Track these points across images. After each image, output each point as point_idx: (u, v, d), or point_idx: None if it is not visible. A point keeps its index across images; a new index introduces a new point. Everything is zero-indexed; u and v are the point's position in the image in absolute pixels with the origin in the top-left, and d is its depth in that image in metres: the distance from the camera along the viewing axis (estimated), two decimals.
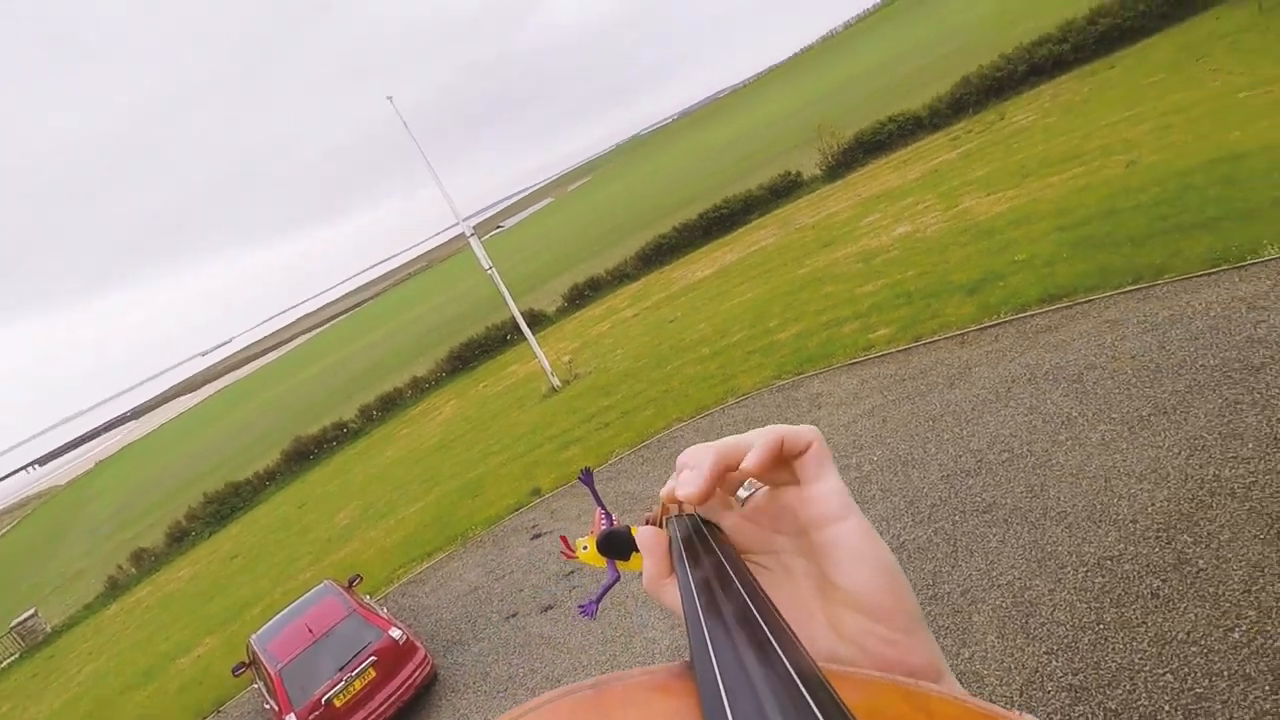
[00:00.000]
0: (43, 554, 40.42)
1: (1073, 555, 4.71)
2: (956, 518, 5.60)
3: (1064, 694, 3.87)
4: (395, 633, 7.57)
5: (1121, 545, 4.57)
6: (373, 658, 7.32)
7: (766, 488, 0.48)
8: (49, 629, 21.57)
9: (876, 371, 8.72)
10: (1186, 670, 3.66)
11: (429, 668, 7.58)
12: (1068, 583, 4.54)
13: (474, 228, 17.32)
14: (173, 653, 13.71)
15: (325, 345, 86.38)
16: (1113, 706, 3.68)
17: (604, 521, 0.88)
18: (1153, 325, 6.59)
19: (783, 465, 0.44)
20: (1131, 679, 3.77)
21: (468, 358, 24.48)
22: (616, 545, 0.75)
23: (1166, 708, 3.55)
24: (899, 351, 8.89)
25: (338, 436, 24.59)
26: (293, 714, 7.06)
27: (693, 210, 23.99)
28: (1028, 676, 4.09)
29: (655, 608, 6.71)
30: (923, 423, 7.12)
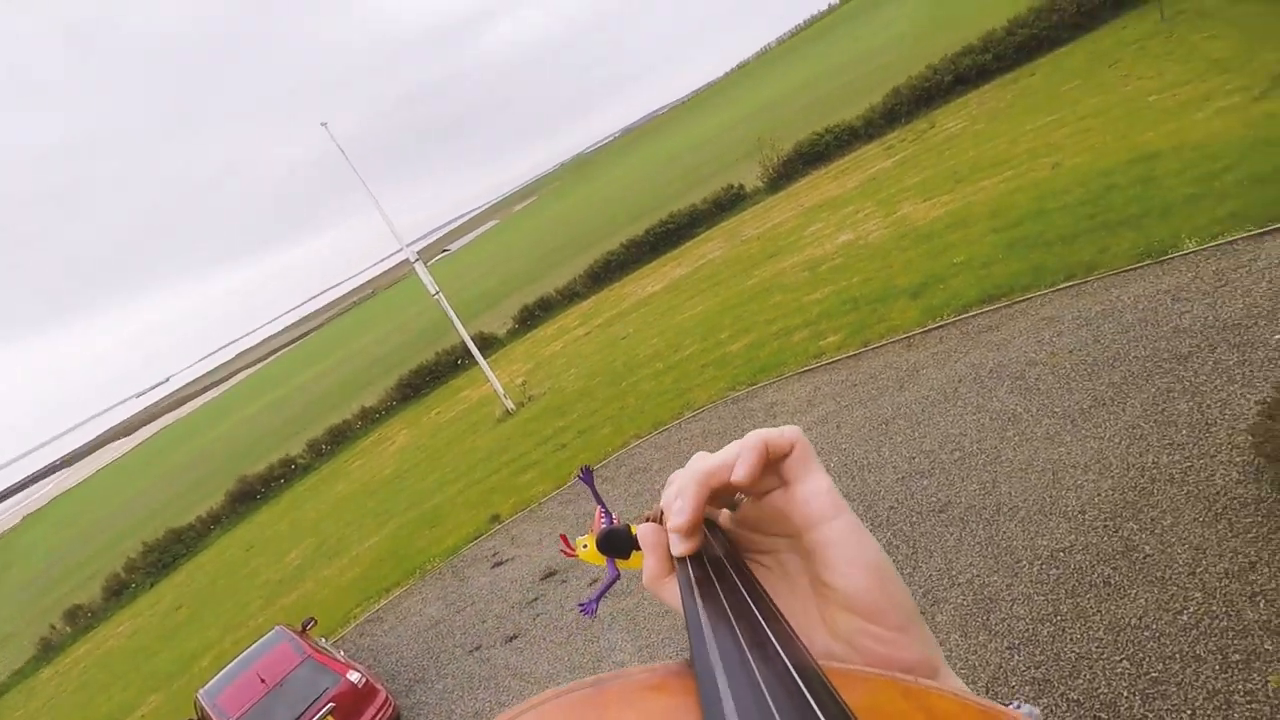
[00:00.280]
0: None
1: (1027, 549, 4.81)
2: (914, 519, 5.68)
3: (1028, 688, 3.93)
4: (354, 676, 7.29)
5: (1072, 536, 4.69)
6: (331, 704, 7.03)
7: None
8: None
9: (828, 378, 8.84)
10: (1141, 655, 3.76)
11: (391, 710, 7.31)
12: (1024, 576, 4.63)
13: (419, 253, 17.06)
14: (115, 715, 12.97)
15: (269, 380, 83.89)
16: (1075, 697, 3.74)
17: (604, 520, 0.86)
18: (1087, 320, 6.83)
19: (770, 470, 0.44)
20: (1091, 668, 3.85)
21: (418, 385, 24.02)
22: (616, 544, 0.73)
23: (1125, 694, 3.63)
24: (849, 357, 9.03)
25: (285, 473, 23.81)
26: None
27: (639, 226, 24.11)
28: (992, 673, 4.15)
29: (624, 630, 6.62)
30: (876, 426, 7.23)
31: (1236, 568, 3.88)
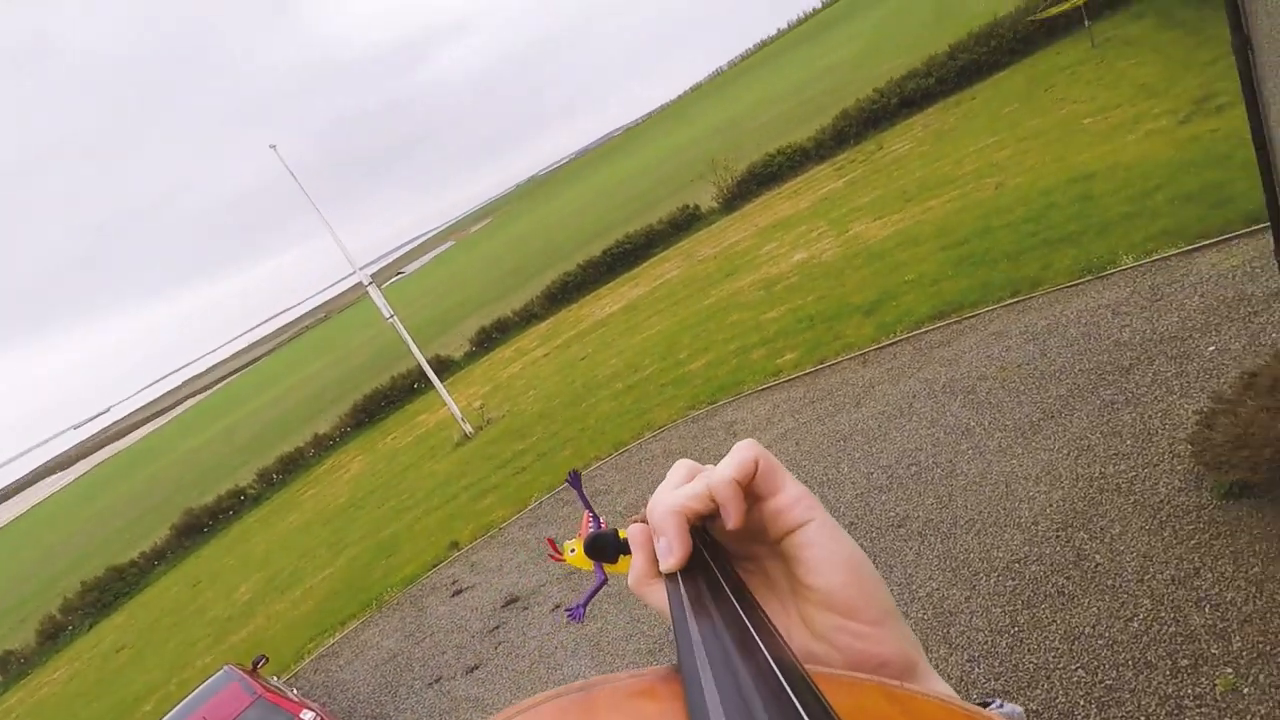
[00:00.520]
0: None
1: (984, 562, 4.89)
2: (874, 534, 5.74)
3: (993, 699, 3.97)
4: (308, 715, 7.02)
5: (1027, 547, 4.79)
6: None
7: None
8: None
9: (786, 395, 8.93)
10: (1096, 663, 3.84)
11: None
12: (982, 589, 4.70)
13: (373, 276, 16.81)
14: None
15: (217, 408, 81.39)
16: (1034, 707, 3.80)
17: (591, 524, 0.85)
18: (1033, 335, 7.04)
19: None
20: (1049, 677, 3.91)
21: (373, 410, 23.54)
22: (603, 548, 0.72)
23: (1082, 702, 3.70)
24: (806, 374, 9.15)
25: (234, 505, 23.02)
26: None
27: (596, 247, 24.15)
28: (954, 686, 4.17)
29: (588, 657, 6.52)
30: (834, 443, 7.31)
31: (1182, 574, 4.00)
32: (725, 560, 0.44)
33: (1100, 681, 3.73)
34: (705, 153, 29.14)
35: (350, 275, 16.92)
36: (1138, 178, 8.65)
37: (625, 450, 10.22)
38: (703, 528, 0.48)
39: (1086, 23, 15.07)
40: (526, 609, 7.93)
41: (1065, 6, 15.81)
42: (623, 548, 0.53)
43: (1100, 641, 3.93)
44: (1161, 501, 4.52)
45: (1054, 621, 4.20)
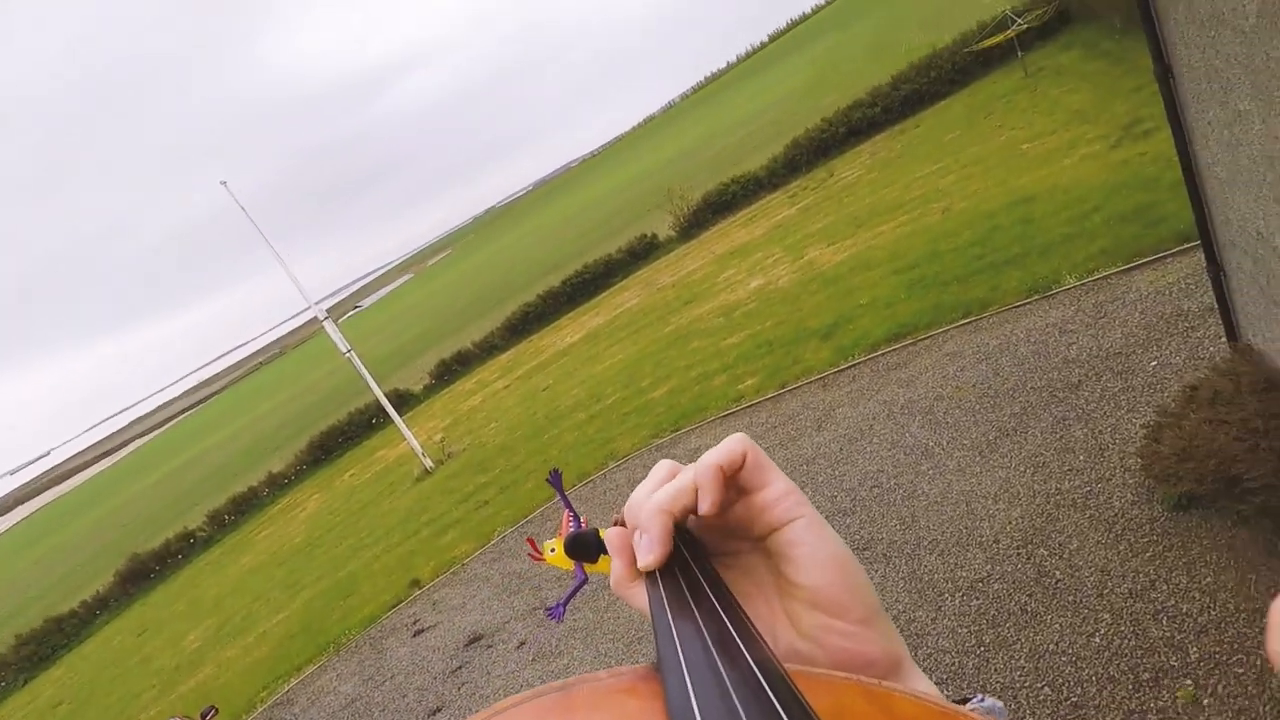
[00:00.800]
0: None
1: (948, 582, 4.93)
2: None
3: None
4: None
5: (989, 566, 4.84)
6: None
7: None
8: None
9: (749, 420, 8.96)
10: (1060, 680, 3.87)
11: None
12: (947, 609, 4.73)
13: (328, 310, 16.51)
14: None
15: (165, 449, 78.59)
16: None
17: (571, 524, 0.83)
18: (986, 354, 7.20)
19: (728, 487, 0.44)
20: (1015, 697, 3.93)
21: (330, 447, 22.97)
22: (583, 547, 0.69)
23: None
24: (768, 399, 9.20)
25: (183, 548, 22.14)
26: None
27: (556, 277, 24.15)
28: None
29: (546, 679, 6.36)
30: (798, 467, 7.34)
31: (1139, 587, 4.08)
32: (706, 559, 0.43)
33: (1066, 699, 3.76)
34: (661, 182, 29.51)
35: (305, 310, 16.59)
36: (1075, 200, 8.99)
37: (590, 481, 10.12)
38: (684, 526, 0.48)
39: (1019, 54, 15.74)
40: (490, 647, 7.73)
41: (999, 39, 16.51)
42: (603, 547, 0.52)
43: (1064, 658, 3.97)
44: (1116, 515, 4.62)
45: (1018, 640, 4.23)
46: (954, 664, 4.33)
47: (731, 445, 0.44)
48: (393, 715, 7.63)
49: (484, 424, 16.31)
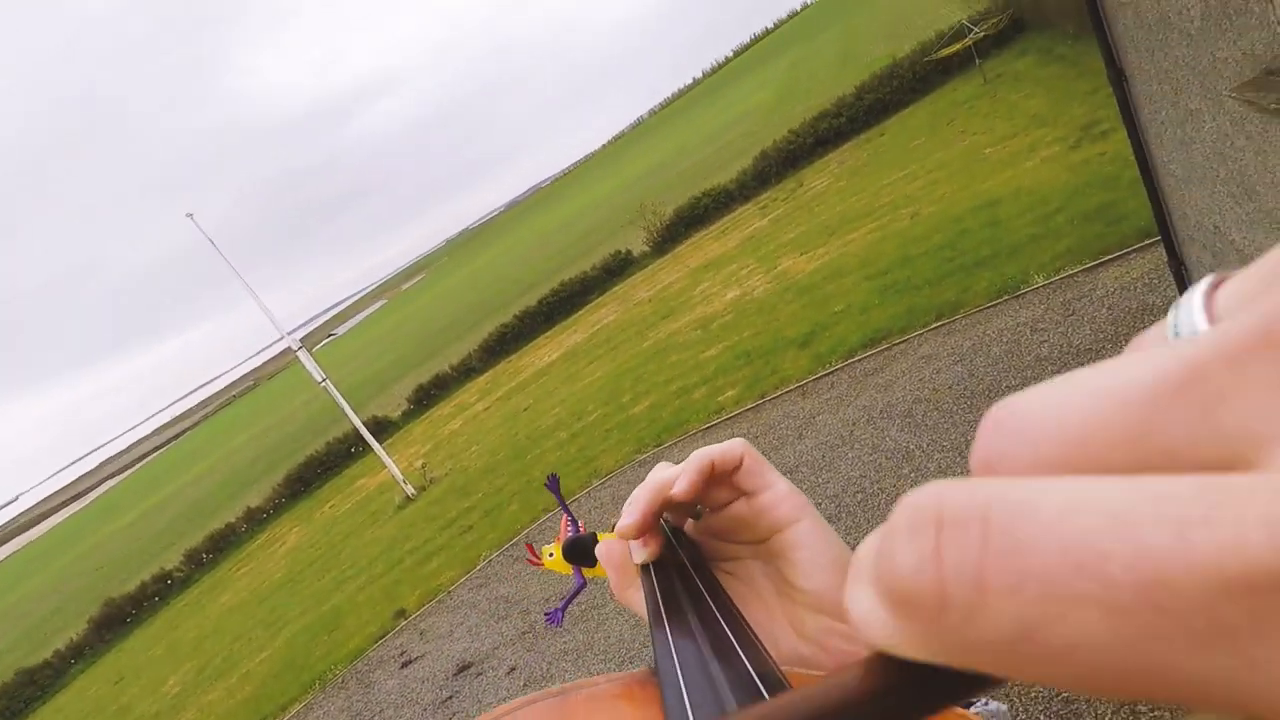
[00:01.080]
0: None
1: None
2: None
3: None
4: None
5: None
6: None
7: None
8: None
9: (730, 432, 8.98)
10: None
11: None
12: None
13: (303, 339, 16.35)
14: None
15: (138, 488, 76.93)
16: None
17: (570, 528, 0.83)
18: (960, 356, 7.30)
19: (722, 485, 0.45)
20: (1007, 695, 3.95)
21: (308, 479, 22.63)
22: (582, 552, 0.69)
23: (1041, 716, 3.74)
24: (748, 410, 9.24)
25: (160, 590, 21.61)
26: None
27: (532, 296, 24.13)
28: None
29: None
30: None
31: None
32: (704, 565, 0.44)
33: (1057, 695, 3.79)
34: (633, 198, 29.70)
35: (279, 340, 16.40)
36: (1039, 201, 9.18)
37: (574, 500, 10.06)
38: (682, 531, 0.49)
39: (977, 61, 16.12)
40: (480, 675, 7.63)
41: (957, 47, 16.90)
42: None
43: None
44: None
45: None
46: None
47: (729, 445, 0.44)
48: None
49: (465, 448, 16.18)
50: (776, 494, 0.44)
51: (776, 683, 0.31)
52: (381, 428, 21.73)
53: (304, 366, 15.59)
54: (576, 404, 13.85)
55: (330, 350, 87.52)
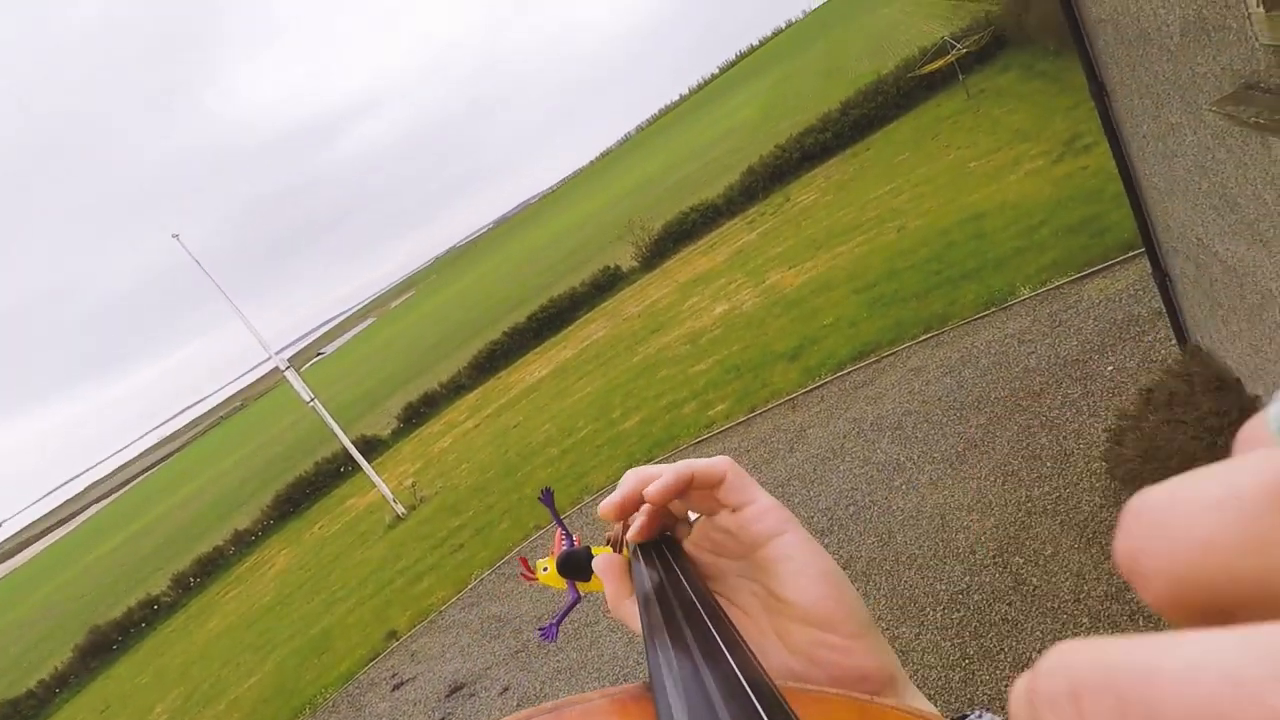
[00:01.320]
0: None
1: (929, 596, 4.95)
2: None
3: None
4: None
5: (968, 577, 4.88)
6: None
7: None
8: None
9: (721, 446, 8.97)
10: None
11: None
12: (930, 624, 4.74)
13: (290, 359, 16.25)
14: None
15: (124, 512, 75.94)
16: None
17: (564, 542, 0.84)
18: (949, 368, 7.34)
19: (704, 497, 0.45)
20: (1003, 709, 3.93)
21: (297, 499, 22.40)
22: (576, 566, 0.69)
23: None
24: (738, 424, 9.24)
25: (147, 616, 21.26)
26: None
27: (521, 313, 24.10)
28: None
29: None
30: (773, 490, 7.27)
31: (1114, 589, 4.14)
32: (699, 578, 0.44)
33: None
34: (621, 214, 29.81)
35: (266, 361, 16.29)
36: (1023, 214, 9.28)
37: (565, 516, 9.98)
38: (676, 543, 0.49)
39: (960, 76, 16.34)
40: (473, 695, 7.53)
41: (940, 63, 17.13)
42: None
43: None
44: (1086, 519, 4.70)
45: (1002, 650, 4.26)
46: (940, 678, 4.33)
47: (715, 461, 0.45)
48: None
49: (455, 465, 16.08)
50: (760, 507, 0.44)
51: (772, 699, 0.31)
52: (371, 447, 21.57)
53: (292, 386, 15.48)
54: (567, 420, 13.81)
55: (318, 369, 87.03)
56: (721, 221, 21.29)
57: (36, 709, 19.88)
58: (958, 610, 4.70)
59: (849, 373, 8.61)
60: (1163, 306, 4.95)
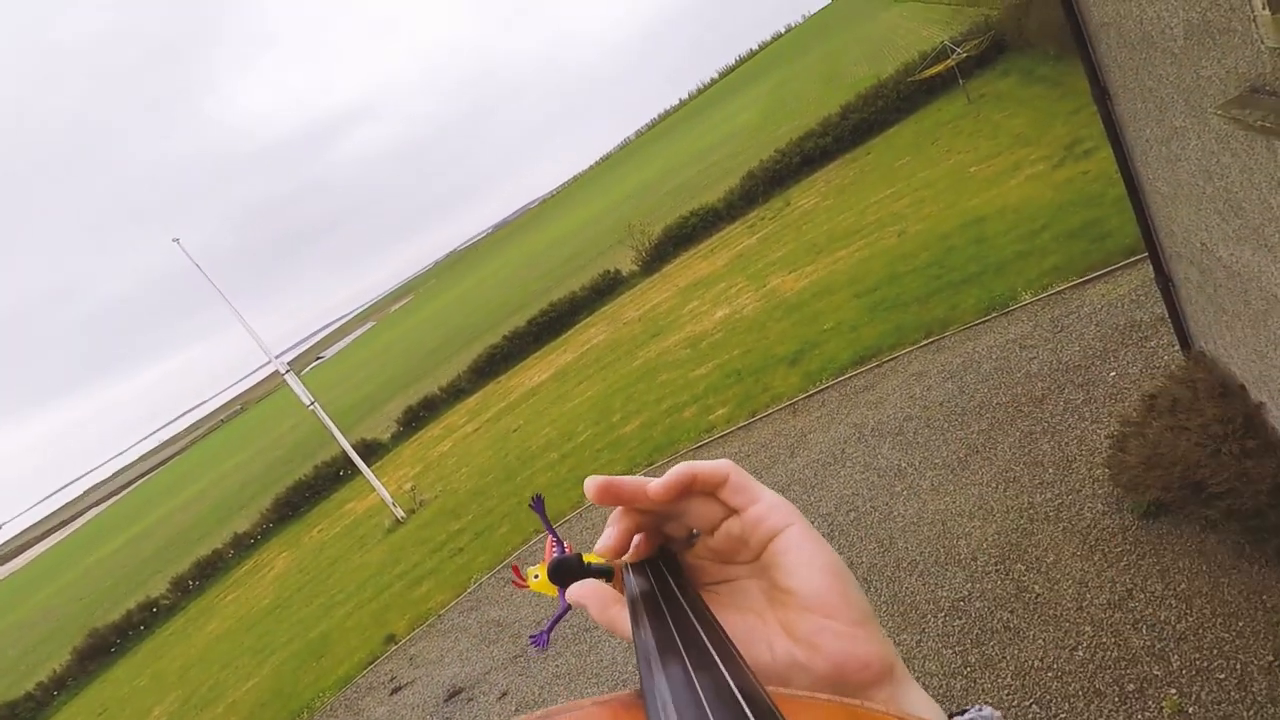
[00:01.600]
0: None
1: (930, 603, 4.91)
2: None
3: None
4: None
5: (969, 584, 4.84)
6: None
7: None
8: None
9: (721, 451, 8.93)
10: (1048, 697, 3.85)
11: None
12: (931, 631, 4.70)
13: (290, 363, 16.22)
14: None
15: (124, 516, 75.86)
16: None
17: (555, 549, 0.83)
18: (951, 373, 7.31)
19: (708, 501, 0.45)
20: (1005, 717, 3.90)
21: (297, 503, 22.34)
22: (567, 573, 0.66)
23: None
24: (739, 429, 9.20)
25: (146, 618, 21.19)
26: None
27: (521, 317, 24.08)
28: None
29: None
30: None
31: (1116, 597, 4.10)
32: (691, 587, 0.44)
33: (1054, 716, 3.74)
34: (621, 218, 29.79)
35: (266, 364, 16.28)
36: (1025, 219, 9.25)
37: (565, 521, 9.97)
38: (672, 554, 0.49)
39: (961, 81, 16.33)
40: (471, 700, 7.49)
41: (940, 68, 17.12)
42: (587, 572, 0.53)
43: (1049, 674, 3.96)
44: (1089, 526, 4.66)
45: (1003, 658, 4.22)
46: (942, 686, 4.29)
47: (716, 464, 0.45)
48: None
49: (454, 469, 16.04)
50: (765, 505, 0.44)
51: (763, 705, 0.31)
52: (370, 450, 21.54)
53: (292, 390, 15.46)
54: (567, 424, 13.77)
55: (318, 373, 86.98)
56: (721, 226, 21.27)
57: (34, 711, 19.81)
58: (959, 618, 4.66)
59: (850, 377, 8.58)
60: (1165, 312, 4.92)
